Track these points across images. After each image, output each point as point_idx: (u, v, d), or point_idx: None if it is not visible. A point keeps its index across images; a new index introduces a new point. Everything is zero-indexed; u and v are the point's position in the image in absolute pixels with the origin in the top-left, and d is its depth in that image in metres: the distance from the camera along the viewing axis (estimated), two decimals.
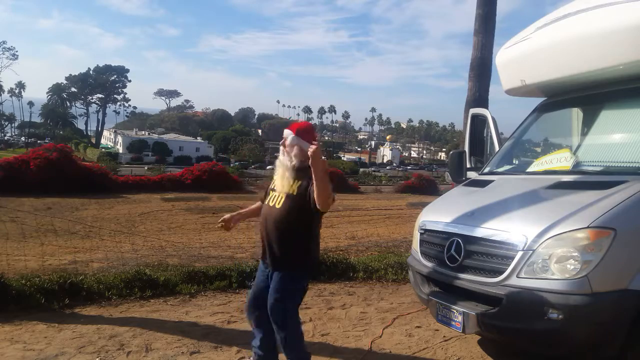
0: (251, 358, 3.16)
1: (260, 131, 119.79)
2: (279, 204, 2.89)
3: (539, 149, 4.53)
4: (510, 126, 4.82)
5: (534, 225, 2.84)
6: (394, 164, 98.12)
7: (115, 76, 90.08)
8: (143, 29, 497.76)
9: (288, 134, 2.95)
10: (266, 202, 3.01)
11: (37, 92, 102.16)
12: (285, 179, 2.88)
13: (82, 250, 7.85)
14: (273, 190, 2.99)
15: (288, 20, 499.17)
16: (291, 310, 2.92)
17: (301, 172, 2.85)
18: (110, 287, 4.87)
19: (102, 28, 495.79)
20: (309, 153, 2.62)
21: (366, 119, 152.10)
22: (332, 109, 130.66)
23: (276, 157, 3.01)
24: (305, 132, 2.96)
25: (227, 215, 3.20)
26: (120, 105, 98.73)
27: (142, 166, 47.86)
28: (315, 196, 2.66)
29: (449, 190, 4.37)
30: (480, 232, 3.08)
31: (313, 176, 2.63)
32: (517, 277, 2.79)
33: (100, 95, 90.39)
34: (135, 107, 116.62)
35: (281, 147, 2.97)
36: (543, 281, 2.71)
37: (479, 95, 8.19)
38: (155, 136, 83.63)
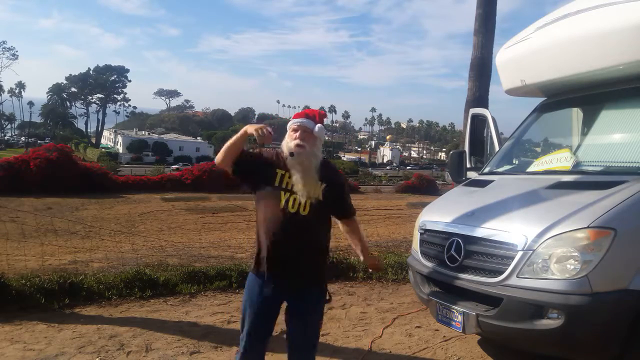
0: None
1: None
2: (304, 210, 2.40)
3: (539, 149, 4.53)
4: (510, 126, 4.83)
5: (534, 225, 2.84)
6: (394, 164, 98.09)
7: (115, 76, 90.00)
8: (143, 29, 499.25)
9: (308, 123, 2.44)
10: (280, 206, 2.41)
11: (37, 92, 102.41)
12: (311, 182, 2.40)
13: (82, 250, 7.84)
14: (287, 190, 2.43)
15: (288, 20, 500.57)
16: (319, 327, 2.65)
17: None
18: (110, 287, 4.87)
19: (102, 28, 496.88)
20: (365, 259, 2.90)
21: (366, 119, 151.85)
22: (332, 109, 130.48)
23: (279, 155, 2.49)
24: (324, 119, 2.57)
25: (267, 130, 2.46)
26: (120, 105, 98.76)
27: (142, 166, 47.81)
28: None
29: (449, 190, 4.37)
30: (480, 232, 3.08)
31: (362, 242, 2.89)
32: (517, 277, 2.79)
33: (100, 95, 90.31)
34: (135, 107, 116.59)
35: (294, 144, 2.40)
36: (543, 281, 2.71)
37: (479, 95, 8.20)
38: (155, 136, 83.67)
